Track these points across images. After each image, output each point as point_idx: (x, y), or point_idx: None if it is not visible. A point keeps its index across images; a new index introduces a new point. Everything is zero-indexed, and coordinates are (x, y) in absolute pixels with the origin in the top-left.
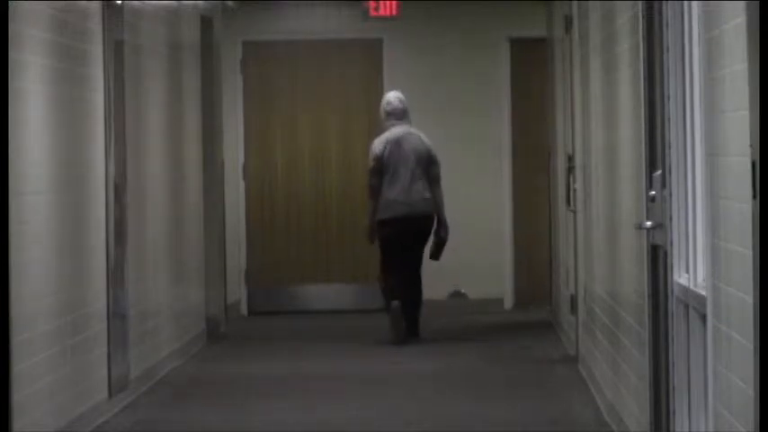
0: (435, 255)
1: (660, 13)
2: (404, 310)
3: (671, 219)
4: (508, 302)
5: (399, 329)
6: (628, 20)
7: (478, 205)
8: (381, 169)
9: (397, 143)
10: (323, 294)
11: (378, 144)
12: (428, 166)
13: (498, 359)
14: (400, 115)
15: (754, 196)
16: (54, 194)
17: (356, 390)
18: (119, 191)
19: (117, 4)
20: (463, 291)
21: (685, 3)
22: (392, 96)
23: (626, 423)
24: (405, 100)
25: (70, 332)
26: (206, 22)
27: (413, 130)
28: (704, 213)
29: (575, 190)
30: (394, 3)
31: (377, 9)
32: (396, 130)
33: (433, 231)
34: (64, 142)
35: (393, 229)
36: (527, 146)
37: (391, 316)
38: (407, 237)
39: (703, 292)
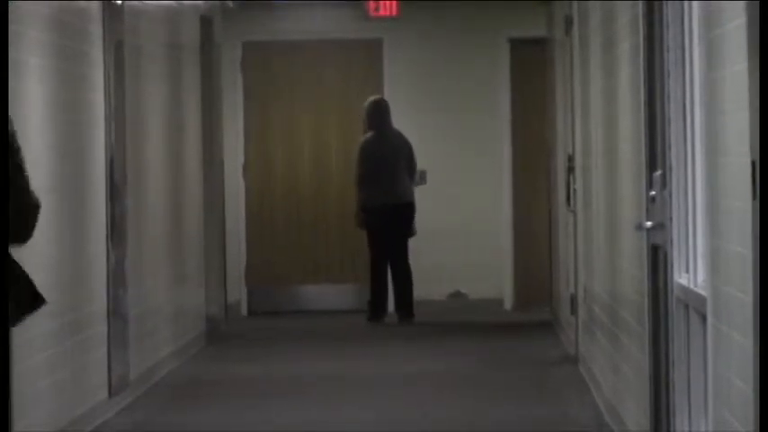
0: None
1: (660, 14)
2: (380, 296)
3: (671, 219)
4: (508, 303)
5: (374, 311)
6: (628, 20)
7: (478, 205)
8: (365, 163)
9: (379, 140)
10: (323, 294)
11: (362, 141)
12: (408, 160)
13: (498, 359)
14: (380, 116)
15: (754, 196)
16: (54, 195)
17: (355, 390)
18: (119, 191)
19: (117, 5)
20: (463, 291)
21: (686, 3)
22: (372, 100)
23: (626, 423)
24: (385, 102)
25: (70, 332)
26: (206, 23)
27: (394, 128)
28: (704, 213)
29: (575, 190)
30: (394, 3)
31: (377, 9)
32: (378, 129)
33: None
34: (63, 143)
35: (376, 217)
36: (527, 146)
37: (371, 298)
38: (388, 223)
39: (703, 292)
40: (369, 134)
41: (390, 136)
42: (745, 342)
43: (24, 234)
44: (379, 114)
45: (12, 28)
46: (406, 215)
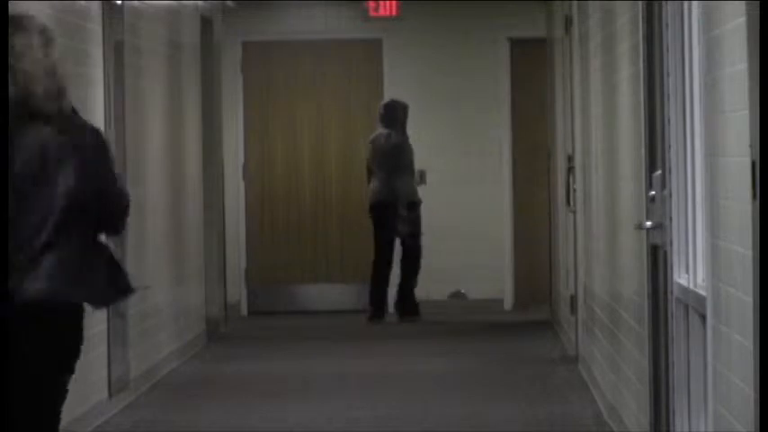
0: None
1: (660, 14)
2: (379, 295)
3: (671, 219)
4: (508, 303)
5: (374, 311)
6: (628, 20)
7: (478, 205)
8: (368, 160)
9: (383, 140)
10: (323, 294)
11: (370, 139)
12: (410, 161)
13: (498, 359)
14: (388, 117)
15: (754, 196)
16: None
17: (356, 390)
18: None
19: (117, 5)
20: (463, 291)
21: (685, 3)
22: (383, 103)
23: (626, 423)
24: (394, 105)
25: None
26: (206, 23)
27: (404, 130)
28: (704, 213)
29: (574, 190)
30: (394, 3)
31: (377, 9)
32: (386, 128)
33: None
34: None
35: (376, 213)
36: (527, 146)
37: (370, 298)
38: (388, 220)
39: (703, 293)
40: (374, 133)
41: (389, 136)
42: (745, 342)
43: (119, 226)
44: (386, 115)
45: None
46: (399, 214)
